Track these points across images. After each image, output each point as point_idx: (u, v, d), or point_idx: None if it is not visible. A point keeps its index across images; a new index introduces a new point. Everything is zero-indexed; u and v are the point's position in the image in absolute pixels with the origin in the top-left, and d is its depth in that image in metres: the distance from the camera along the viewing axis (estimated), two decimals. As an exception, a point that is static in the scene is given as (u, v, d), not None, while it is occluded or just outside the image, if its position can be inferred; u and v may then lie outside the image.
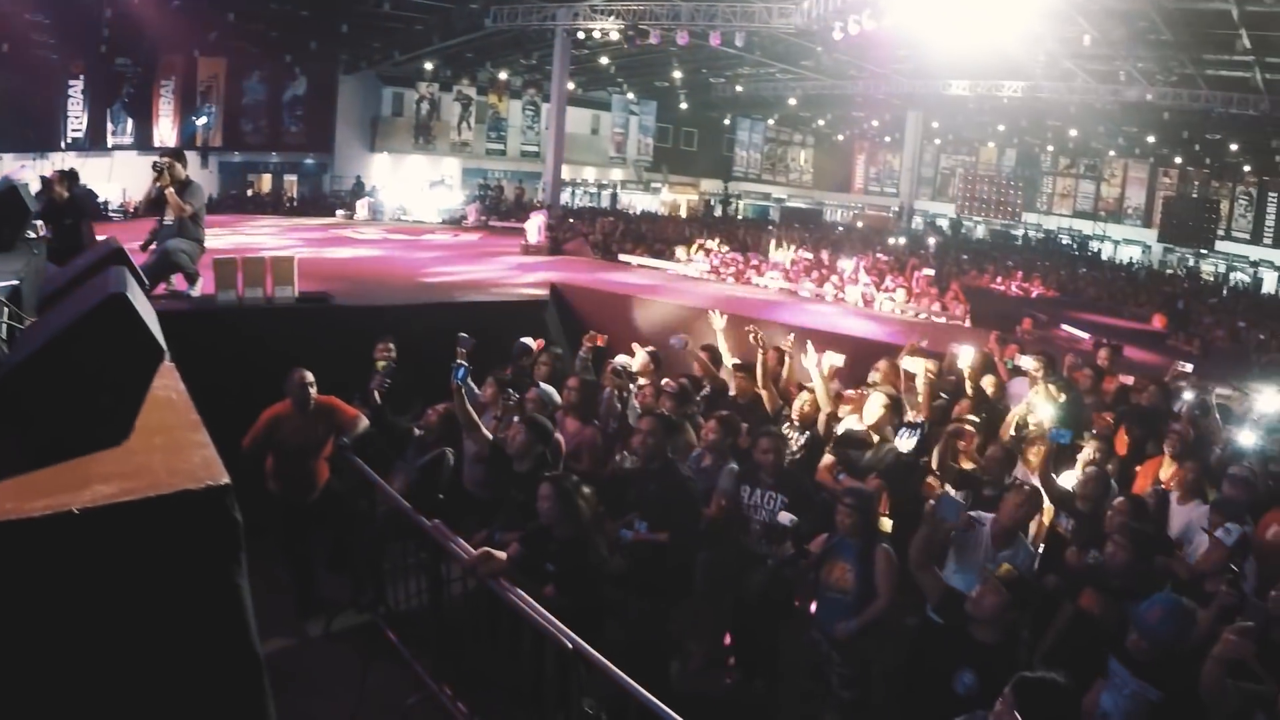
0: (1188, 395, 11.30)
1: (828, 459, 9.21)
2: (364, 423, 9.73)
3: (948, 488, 8.25)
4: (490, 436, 9.12)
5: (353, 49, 40.84)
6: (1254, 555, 7.50)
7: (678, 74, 45.32)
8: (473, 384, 9.93)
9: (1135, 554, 6.71)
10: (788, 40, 35.50)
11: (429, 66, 43.22)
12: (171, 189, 11.75)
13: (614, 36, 34.43)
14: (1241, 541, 7.29)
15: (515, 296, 16.64)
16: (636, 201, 53.62)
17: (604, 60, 41.91)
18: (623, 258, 25.77)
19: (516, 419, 8.90)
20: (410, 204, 36.55)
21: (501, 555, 6.76)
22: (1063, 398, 10.22)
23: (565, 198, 44.35)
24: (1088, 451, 9.06)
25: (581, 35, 35.38)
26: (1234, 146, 45.37)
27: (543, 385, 10.23)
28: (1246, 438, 9.63)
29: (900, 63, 38.62)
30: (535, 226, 26.14)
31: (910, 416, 9.71)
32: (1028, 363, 11.02)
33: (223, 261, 12.57)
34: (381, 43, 39.80)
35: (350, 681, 7.91)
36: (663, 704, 5.04)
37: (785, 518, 7.99)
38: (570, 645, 5.68)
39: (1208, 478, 8.80)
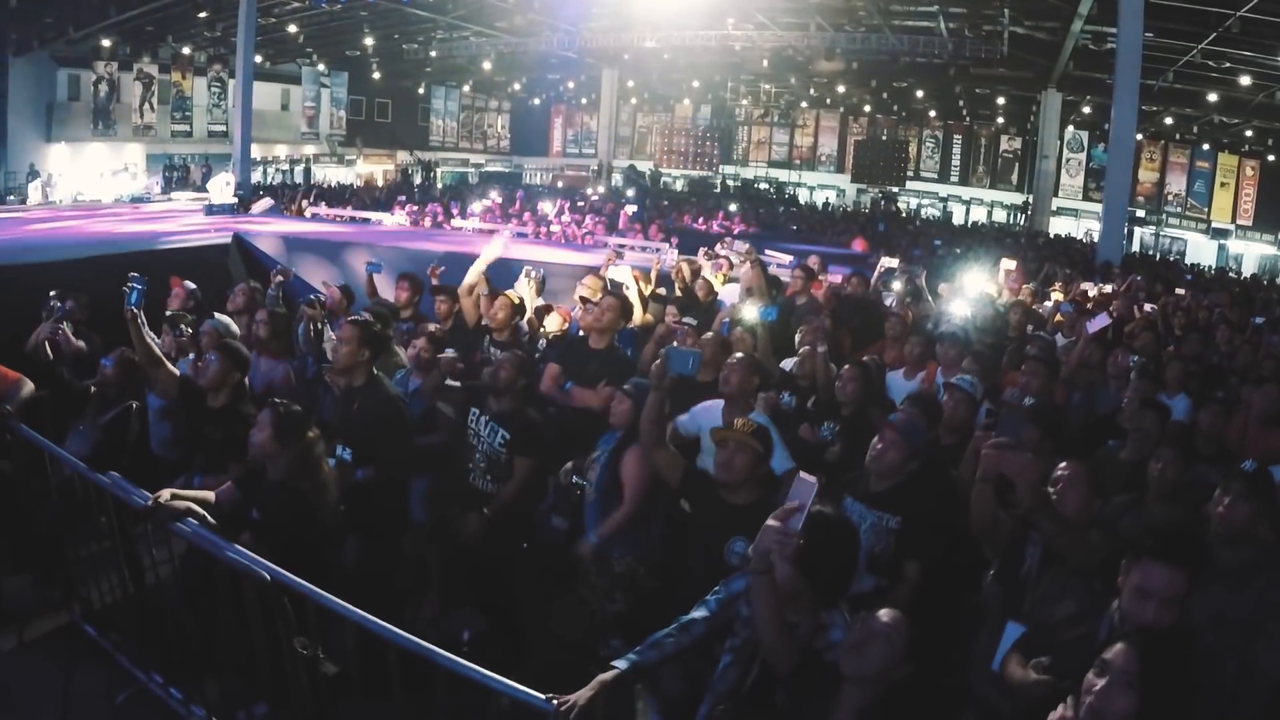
0: (897, 285, 12.47)
1: (552, 368, 8.64)
2: (28, 386, 8.32)
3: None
4: (177, 372, 7.84)
5: (21, 26, 36.91)
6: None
7: (369, 41, 43.94)
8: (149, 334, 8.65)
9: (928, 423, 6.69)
10: (481, 1, 35.15)
11: (107, 43, 39.58)
12: None
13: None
14: (981, 394, 7.59)
15: (195, 243, 16.13)
16: (331, 176, 51.80)
17: (292, 29, 40.42)
18: (315, 210, 25.25)
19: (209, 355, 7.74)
20: (90, 191, 34.29)
21: (191, 496, 5.83)
22: (772, 293, 10.70)
23: (257, 177, 42.42)
24: (801, 336, 9.07)
25: None
26: (920, 93, 47.63)
27: (218, 315, 9.41)
28: (959, 307, 10.40)
29: (594, 20, 38.67)
30: (218, 186, 25.23)
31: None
32: (736, 258, 11.39)
33: None
34: (54, 17, 36.59)
35: (53, 693, 6.68)
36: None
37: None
38: (268, 576, 5.12)
39: (928, 354, 9.18)
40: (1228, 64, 33.15)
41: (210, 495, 5.97)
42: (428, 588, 8.09)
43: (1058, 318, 12.50)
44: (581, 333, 9.55)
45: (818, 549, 4.18)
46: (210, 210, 24.15)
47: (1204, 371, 10.10)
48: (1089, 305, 13.23)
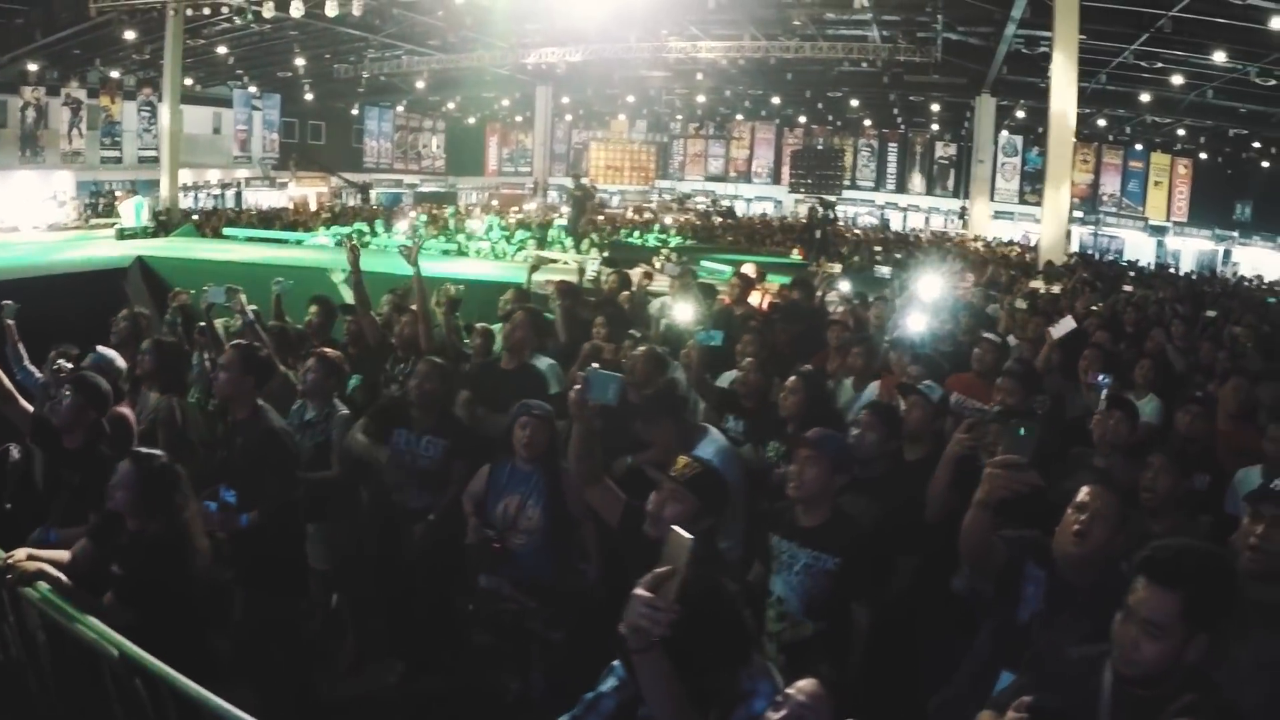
0: (844, 286, 12.33)
1: (463, 393, 8.18)
2: None
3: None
4: (29, 407, 6.78)
5: (-55, 53, 36.56)
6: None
7: (301, 61, 43.34)
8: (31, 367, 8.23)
9: (883, 434, 6.25)
10: (413, 18, 34.83)
11: (33, 68, 38.75)
12: None
13: (226, 12, 32.38)
14: (943, 399, 7.15)
15: (89, 267, 15.55)
16: (263, 200, 50.98)
17: (222, 50, 39.87)
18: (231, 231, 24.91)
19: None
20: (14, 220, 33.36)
21: (48, 556, 5.01)
22: (703, 300, 10.24)
23: (188, 203, 41.73)
24: (742, 347, 8.63)
25: (191, 12, 32.99)
26: (855, 102, 47.90)
27: (101, 349, 8.13)
28: (915, 320, 9.75)
29: (528, 36, 38.43)
30: (129, 209, 24.78)
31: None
32: (671, 269, 11.16)
33: None
34: (-22, 43, 35.80)
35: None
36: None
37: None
38: (115, 653, 4.25)
39: (875, 360, 8.89)
40: (1160, 64, 33.38)
41: (65, 555, 5.21)
42: (343, 637, 7.66)
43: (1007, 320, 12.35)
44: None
45: (698, 615, 3.53)
46: (123, 234, 23.62)
47: (1172, 371, 9.94)
48: (1041, 305, 13.09)
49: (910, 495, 5.79)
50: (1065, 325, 8.97)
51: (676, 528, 3.50)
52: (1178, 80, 34.62)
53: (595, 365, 5.56)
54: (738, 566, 5.51)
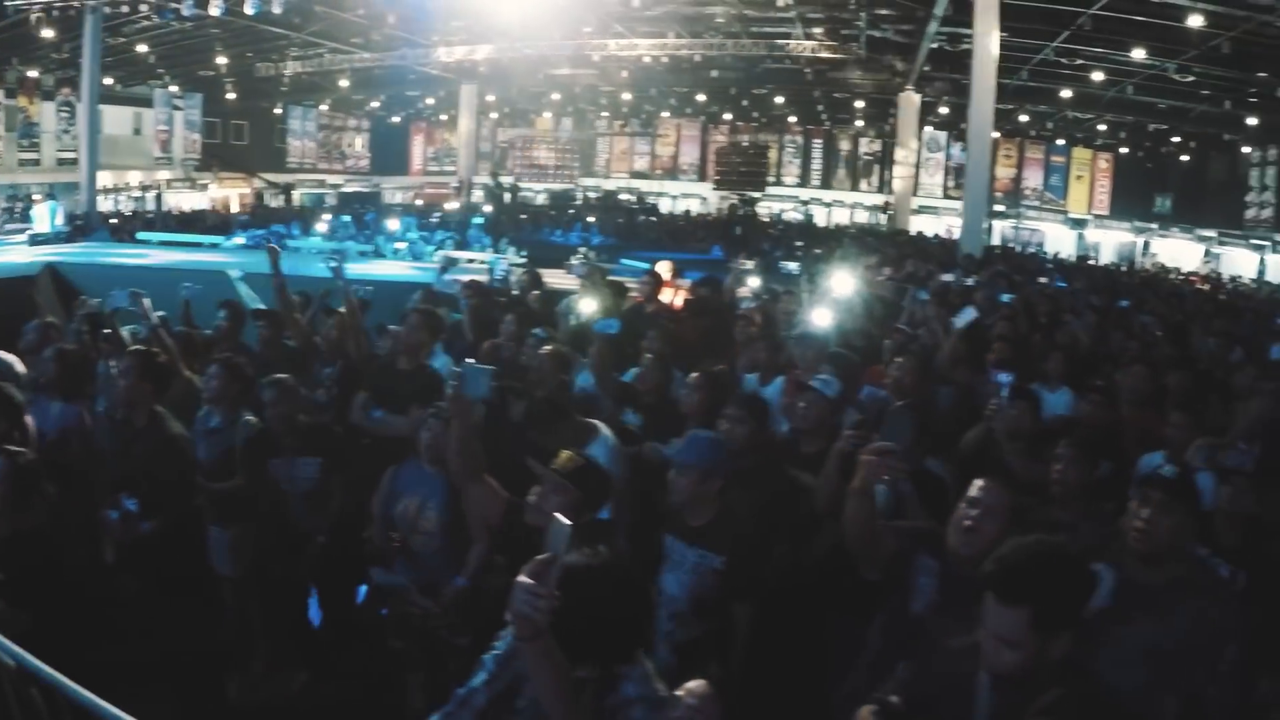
0: (753, 282, 12.30)
1: (358, 397, 8.16)
2: None
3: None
4: None
5: None
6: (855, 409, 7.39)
7: (222, 60, 42.50)
8: None
9: (754, 427, 6.30)
10: (336, 15, 34.55)
11: None
12: None
13: (145, 10, 31.78)
14: (842, 394, 7.01)
15: None
16: (184, 202, 50.05)
17: (143, 48, 39.04)
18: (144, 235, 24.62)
19: None
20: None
21: None
22: (610, 297, 10.24)
23: (108, 206, 41.04)
24: (647, 344, 8.68)
25: (110, 9, 32.20)
26: (779, 99, 48.09)
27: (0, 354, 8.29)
28: (821, 315, 9.72)
29: (452, 34, 38.23)
30: (42, 214, 24.40)
31: None
32: (577, 268, 11.16)
33: None
34: (-107, 44, 34.82)
35: None
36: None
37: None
38: (13, 663, 4.12)
39: (780, 355, 8.85)
40: (1080, 61, 33.78)
41: None
42: (254, 646, 7.52)
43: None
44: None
45: (582, 601, 3.56)
46: (35, 240, 23.23)
47: (1082, 360, 9.98)
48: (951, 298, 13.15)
49: (789, 486, 5.85)
50: (966, 316, 8.99)
51: (558, 515, 3.49)
52: (1098, 77, 35.10)
53: (470, 360, 5.57)
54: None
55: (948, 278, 13.63)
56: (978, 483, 4.55)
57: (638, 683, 3.65)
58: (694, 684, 3.43)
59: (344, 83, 47.30)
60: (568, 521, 3.43)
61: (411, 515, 6.39)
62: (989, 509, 4.41)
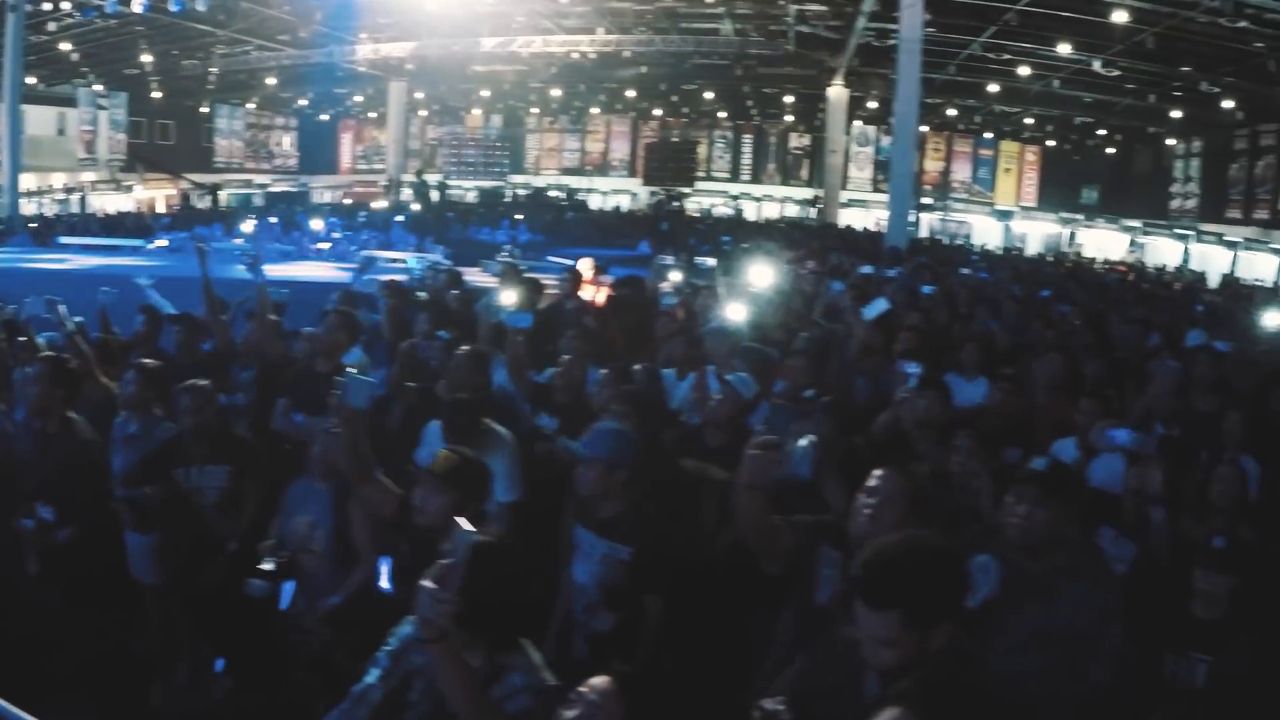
0: (675, 277, 12.25)
1: (281, 402, 8.02)
2: None
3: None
4: None
5: None
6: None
7: (148, 58, 41.97)
8: None
9: (639, 420, 6.19)
10: (262, 12, 34.25)
11: None
12: None
13: (68, 6, 31.36)
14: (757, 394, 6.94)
15: None
16: (109, 203, 49.24)
17: (66, 46, 38.52)
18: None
19: None
20: None
21: None
22: (527, 295, 10.06)
23: (31, 209, 40.35)
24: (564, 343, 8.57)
25: (32, 6, 32.01)
26: (709, 95, 48.24)
27: None
28: (735, 310, 9.73)
29: (380, 31, 38.02)
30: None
31: None
32: (492, 266, 11.10)
33: None
34: None
35: None
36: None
37: None
38: None
39: (697, 350, 8.78)
40: (1007, 55, 34.36)
41: None
42: (179, 653, 7.32)
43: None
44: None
45: (481, 592, 3.57)
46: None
47: (1000, 351, 10.04)
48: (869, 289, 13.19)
49: (678, 478, 5.91)
50: (877, 307, 8.99)
51: (460, 520, 3.52)
52: (1025, 71, 35.76)
53: (352, 370, 5.56)
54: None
55: (867, 270, 13.63)
56: (876, 472, 4.58)
57: (524, 672, 3.68)
58: (596, 680, 3.41)
59: (271, 80, 46.76)
60: (472, 528, 3.47)
61: (303, 534, 6.18)
62: (888, 497, 4.44)
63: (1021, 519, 4.39)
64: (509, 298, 9.15)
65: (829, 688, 3.65)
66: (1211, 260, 41.13)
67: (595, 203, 54.64)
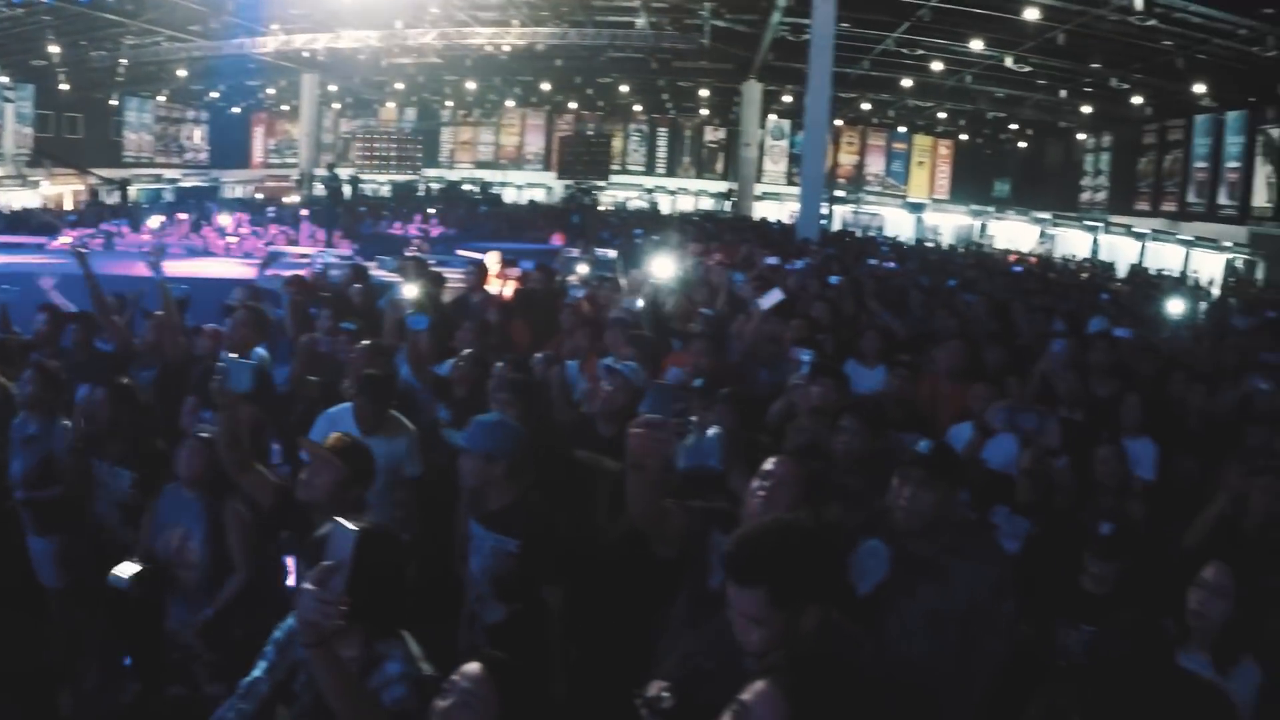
0: (583, 269, 12.74)
1: (187, 402, 7.77)
2: None
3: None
4: None
5: None
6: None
7: (55, 49, 40.74)
8: None
9: (523, 410, 6.29)
10: (173, 2, 33.77)
11: None
12: None
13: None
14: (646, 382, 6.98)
15: None
16: (15, 200, 47.76)
17: (-34, 37, 37.69)
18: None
19: None
20: None
21: None
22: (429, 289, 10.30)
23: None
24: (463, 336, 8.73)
25: None
26: (624, 88, 48.31)
27: None
28: (635, 302, 9.91)
29: (292, 22, 37.60)
30: None
31: None
32: (387, 262, 11.12)
33: None
34: None
35: None
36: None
37: None
38: None
39: (598, 342, 8.88)
40: (921, 51, 34.78)
41: None
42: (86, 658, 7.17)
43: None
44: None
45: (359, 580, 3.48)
46: None
47: (901, 339, 10.13)
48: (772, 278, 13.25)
49: (570, 468, 5.97)
50: (772, 297, 9.02)
51: (340, 519, 3.48)
52: (938, 66, 36.23)
53: (233, 355, 5.53)
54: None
55: (771, 260, 13.70)
56: (771, 459, 4.64)
57: (400, 661, 3.67)
58: (468, 666, 3.38)
59: (182, 72, 45.85)
60: (353, 527, 3.42)
61: (176, 547, 5.84)
62: (780, 480, 4.47)
63: (908, 501, 4.43)
64: (411, 292, 9.18)
65: (710, 669, 3.66)
66: (1120, 251, 42.12)
67: (510, 196, 54.27)
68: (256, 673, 3.90)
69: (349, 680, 3.52)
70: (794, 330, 8.87)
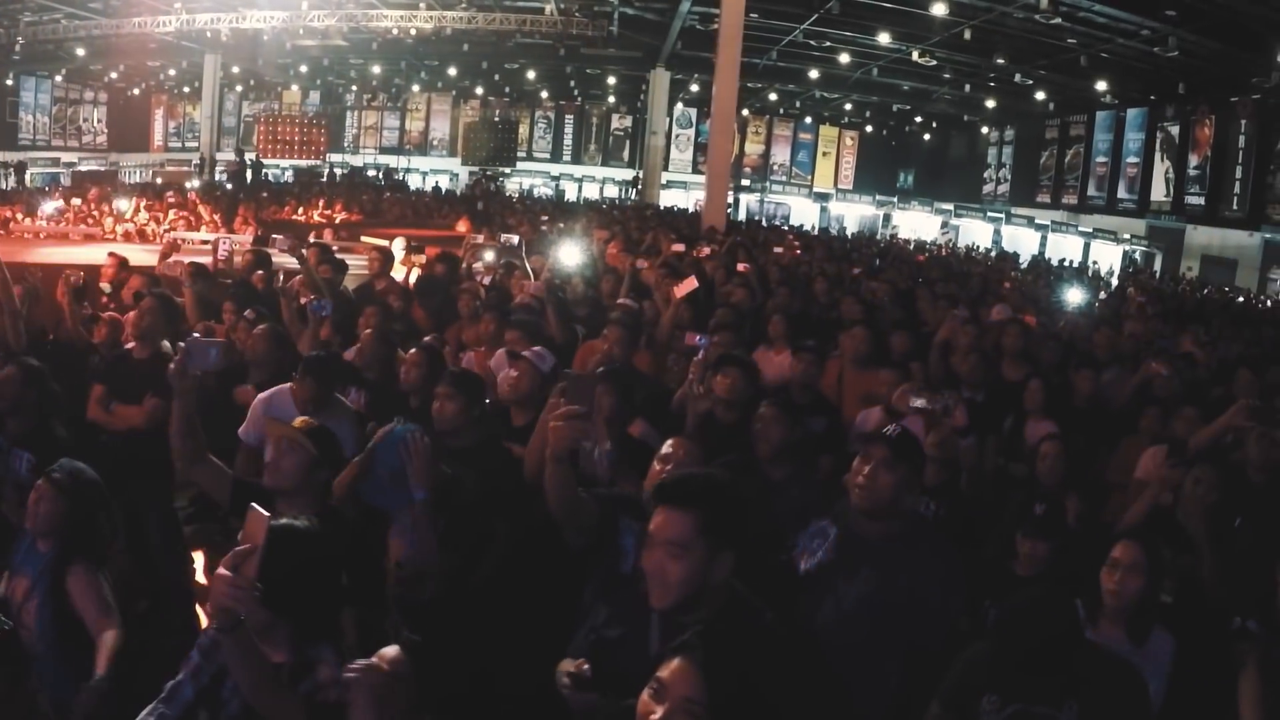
0: (488, 256, 12.69)
1: (95, 389, 7.59)
2: None
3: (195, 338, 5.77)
4: None
5: None
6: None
7: None
8: None
9: (462, 403, 6.07)
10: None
11: None
12: None
13: None
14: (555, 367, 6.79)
15: None
16: None
17: None
18: None
19: None
20: None
21: None
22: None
23: None
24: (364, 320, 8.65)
25: None
26: (532, 74, 48.25)
27: None
28: (539, 289, 9.82)
29: (196, 1, 36.88)
30: None
31: None
32: (282, 244, 11.03)
33: None
34: None
35: None
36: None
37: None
38: None
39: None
40: (828, 43, 35.11)
41: None
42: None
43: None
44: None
45: (282, 577, 3.50)
46: None
47: (806, 324, 10.18)
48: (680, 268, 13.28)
49: (505, 462, 5.84)
50: (687, 285, 9.04)
51: (255, 506, 3.44)
52: (845, 59, 36.68)
53: (195, 336, 5.42)
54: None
55: (678, 248, 13.68)
56: (670, 440, 4.81)
57: (333, 666, 3.59)
58: (385, 650, 3.37)
59: (80, 51, 44.86)
60: (266, 513, 3.39)
61: (16, 601, 4.79)
62: (680, 462, 4.58)
63: (865, 479, 4.39)
64: (314, 281, 9.15)
65: (617, 638, 3.77)
66: (1021, 242, 42.91)
67: (415, 182, 53.74)
68: (180, 676, 3.78)
69: (264, 669, 3.48)
70: (718, 318, 8.89)
